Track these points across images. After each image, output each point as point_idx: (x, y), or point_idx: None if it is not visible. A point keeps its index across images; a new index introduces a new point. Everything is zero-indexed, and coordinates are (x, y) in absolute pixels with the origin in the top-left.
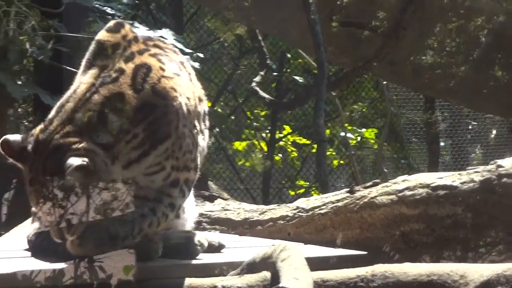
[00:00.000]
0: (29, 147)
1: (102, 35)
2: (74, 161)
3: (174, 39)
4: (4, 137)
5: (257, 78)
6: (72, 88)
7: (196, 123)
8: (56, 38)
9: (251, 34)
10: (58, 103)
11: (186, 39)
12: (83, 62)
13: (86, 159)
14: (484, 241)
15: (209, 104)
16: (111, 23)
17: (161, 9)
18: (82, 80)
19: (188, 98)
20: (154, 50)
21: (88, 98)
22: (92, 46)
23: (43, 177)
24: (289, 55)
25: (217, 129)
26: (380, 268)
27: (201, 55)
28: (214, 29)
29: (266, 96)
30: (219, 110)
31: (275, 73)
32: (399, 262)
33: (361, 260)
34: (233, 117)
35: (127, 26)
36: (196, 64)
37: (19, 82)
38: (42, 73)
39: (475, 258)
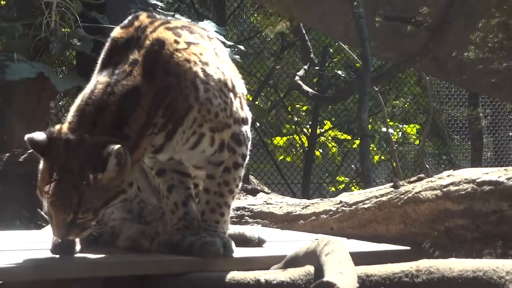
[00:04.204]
0: (59, 146)
1: (116, 32)
2: (114, 147)
3: (215, 31)
4: (28, 135)
5: (301, 72)
6: (89, 88)
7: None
8: (98, 30)
9: (294, 28)
10: (78, 106)
11: (228, 33)
12: (99, 61)
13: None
14: None
15: (250, 98)
16: (128, 18)
17: (204, 2)
18: (98, 79)
19: (206, 63)
20: (174, 24)
21: (106, 100)
22: (106, 45)
23: (78, 174)
24: (331, 50)
25: (258, 124)
26: (425, 264)
27: (241, 47)
28: (256, 24)
29: (310, 90)
30: (260, 104)
31: (317, 68)
32: (443, 258)
33: (405, 255)
34: (273, 112)
35: (143, 15)
36: (237, 57)
37: (61, 75)
38: (84, 65)
39: None
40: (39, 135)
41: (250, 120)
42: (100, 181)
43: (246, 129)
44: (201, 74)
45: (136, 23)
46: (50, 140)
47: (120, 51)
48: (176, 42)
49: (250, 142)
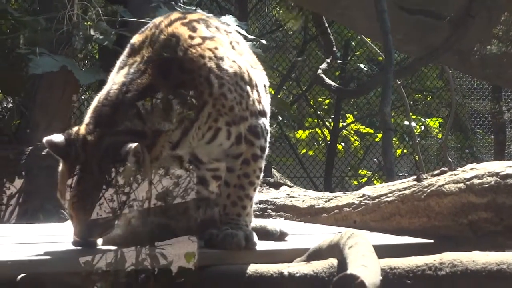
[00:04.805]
0: (77, 147)
1: (134, 38)
2: (132, 145)
3: (237, 25)
4: (47, 138)
5: (323, 66)
6: (105, 89)
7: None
8: (120, 24)
9: (317, 21)
10: (95, 107)
11: (250, 27)
12: (117, 64)
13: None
14: None
15: (273, 92)
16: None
17: None
18: (114, 80)
19: (220, 58)
20: (190, 17)
21: (122, 100)
22: (125, 50)
23: (97, 174)
24: (353, 43)
25: (280, 117)
26: (448, 257)
27: (263, 41)
28: (278, 17)
29: (332, 83)
30: (282, 98)
31: (339, 61)
32: (466, 251)
33: (428, 248)
34: (295, 106)
35: (158, 18)
36: (259, 51)
37: (84, 69)
38: (107, 59)
39: None
40: (57, 137)
41: (268, 113)
42: (119, 181)
43: (264, 121)
44: (215, 70)
45: (151, 25)
46: (68, 142)
47: (136, 52)
48: (191, 37)
49: (269, 135)
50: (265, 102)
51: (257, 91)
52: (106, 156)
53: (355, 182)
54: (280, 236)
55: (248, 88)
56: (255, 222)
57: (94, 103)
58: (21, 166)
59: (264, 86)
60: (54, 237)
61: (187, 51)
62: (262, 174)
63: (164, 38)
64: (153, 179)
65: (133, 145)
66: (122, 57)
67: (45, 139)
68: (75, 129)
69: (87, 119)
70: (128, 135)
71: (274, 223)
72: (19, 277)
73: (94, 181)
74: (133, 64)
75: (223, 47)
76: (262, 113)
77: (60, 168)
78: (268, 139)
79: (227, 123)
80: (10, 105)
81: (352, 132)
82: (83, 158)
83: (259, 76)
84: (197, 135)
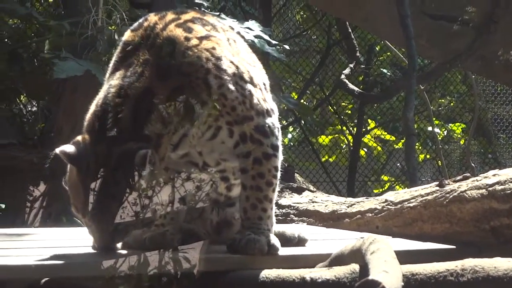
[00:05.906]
0: (89, 157)
1: (126, 35)
2: (145, 151)
3: (260, 30)
4: (60, 149)
5: (346, 71)
6: (102, 93)
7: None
8: None
9: (340, 26)
10: (94, 112)
11: (274, 31)
12: (111, 64)
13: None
14: None
15: (296, 96)
16: (138, 21)
17: (250, 1)
18: (111, 83)
19: (218, 58)
20: (185, 18)
21: (121, 104)
22: (118, 48)
23: (113, 183)
24: (376, 48)
25: (303, 122)
26: (470, 263)
27: (287, 47)
28: (302, 22)
29: (355, 88)
30: (305, 102)
31: (363, 66)
32: (488, 257)
33: (450, 254)
34: (318, 110)
35: (152, 16)
36: (282, 56)
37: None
38: None
39: None
40: (69, 148)
41: (276, 110)
42: (135, 187)
43: (272, 120)
44: (213, 71)
45: (145, 24)
46: (79, 152)
47: (131, 53)
48: (187, 39)
49: (280, 132)
50: (270, 100)
51: (260, 89)
52: (120, 166)
53: (377, 190)
54: (299, 242)
55: (250, 87)
56: (274, 227)
57: (93, 107)
58: (45, 170)
59: (264, 84)
60: (77, 241)
61: (184, 54)
62: (279, 174)
63: (160, 42)
64: (167, 182)
65: (147, 151)
66: (115, 57)
67: (58, 150)
68: (79, 138)
69: (88, 125)
70: (135, 141)
71: (293, 229)
72: (43, 281)
73: (111, 192)
74: (129, 66)
75: (221, 46)
76: (270, 112)
77: (70, 179)
78: (280, 137)
79: (228, 123)
80: (35, 109)
81: (373, 139)
82: (95, 169)
83: (259, 74)
84: (197, 134)
